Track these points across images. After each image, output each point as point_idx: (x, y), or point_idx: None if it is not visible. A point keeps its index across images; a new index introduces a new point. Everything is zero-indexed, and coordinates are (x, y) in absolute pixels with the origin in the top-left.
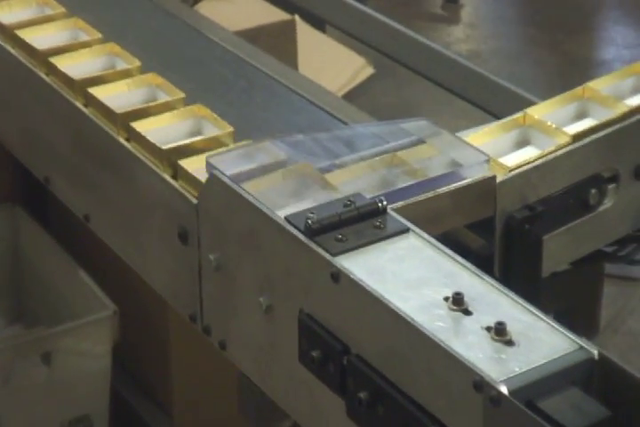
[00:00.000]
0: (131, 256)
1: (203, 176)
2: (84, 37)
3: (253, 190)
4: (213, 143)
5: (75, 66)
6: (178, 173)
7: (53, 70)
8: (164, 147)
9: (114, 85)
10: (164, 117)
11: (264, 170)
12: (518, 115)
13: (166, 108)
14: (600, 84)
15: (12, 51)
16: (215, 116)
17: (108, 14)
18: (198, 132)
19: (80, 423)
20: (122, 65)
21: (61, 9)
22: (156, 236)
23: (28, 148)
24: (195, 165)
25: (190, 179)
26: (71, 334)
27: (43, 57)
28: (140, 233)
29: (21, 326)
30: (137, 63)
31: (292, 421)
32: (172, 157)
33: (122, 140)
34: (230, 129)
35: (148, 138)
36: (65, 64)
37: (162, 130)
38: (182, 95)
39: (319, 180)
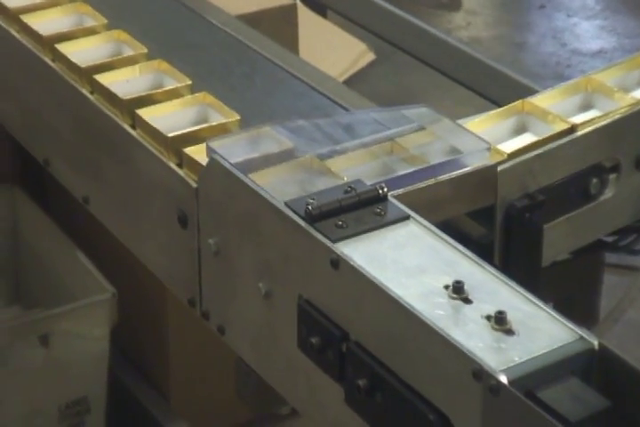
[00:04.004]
0: (130, 239)
1: (160, 125)
2: (89, 22)
3: (254, 175)
4: (219, 131)
5: (80, 52)
6: (183, 160)
7: (59, 57)
8: (169, 134)
9: (120, 72)
10: (169, 105)
11: (265, 155)
12: (520, 102)
13: (172, 95)
14: (605, 75)
15: (17, 35)
16: (221, 103)
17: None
18: (204, 120)
19: (77, 406)
20: (128, 51)
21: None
22: (156, 219)
23: (28, 130)
24: (200, 154)
25: (195, 166)
26: (69, 316)
27: (48, 43)
28: (139, 216)
29: (19, 307)
30: (144, 50)
31: (289, 407)
32: (177, 145)
33: (125, 126)
34: (236, 117)
35: (154, 125)
36: (71, 50)
37: (167, 117)
38: (189, 82)
39: (320, 166)
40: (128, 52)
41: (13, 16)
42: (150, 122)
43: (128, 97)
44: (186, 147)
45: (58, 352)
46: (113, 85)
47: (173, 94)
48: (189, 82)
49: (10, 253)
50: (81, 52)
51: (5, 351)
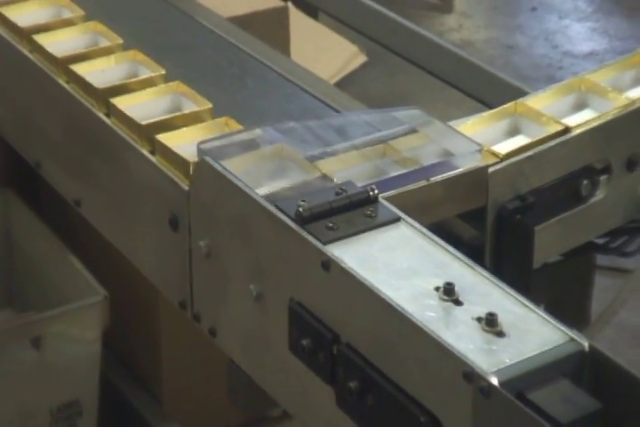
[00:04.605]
0: (121, 242)
1: (181, 151)
2: (67, 14)
3: (244, 177)
4: (192, 119)
5: (58, 43)
6: (156, 148)
7: (37, 48)
8: (142, 122)
9: (96, 62)
10: (143, 94)
11: (256, 157)
12: (512, 104)
13: (147, 84)
14: (597, 75)
15: (3, 34)
16: (194, 92)
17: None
18: (178, 109)
19: (69, 409)
20: (105, 42)
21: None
22: (147, 222)
23: (19, 132)
24: (173, 141)
25: (168, 153)
26: (61, 319)
27: (26, 34)
28: (130, 219)
29: (12, 310)
30: (119, 41)
31: (281, 409)
32: (150, 133)
33: (111, 124)
34: (209, 105)
35: (127, 113)
36: (48, 41)
37: (141, 106)
38: (163, 72)
39: (310, 167)
40: (104, 43)
41: (28, 37)
42: (124, 110)
43: (103, 86)
44: (159, 134)
45: (50, 355)
46: (88, 75)
47: (147, 83)
48: (163, 71)
49: (2, 256)
50: (58, 42)
51: None
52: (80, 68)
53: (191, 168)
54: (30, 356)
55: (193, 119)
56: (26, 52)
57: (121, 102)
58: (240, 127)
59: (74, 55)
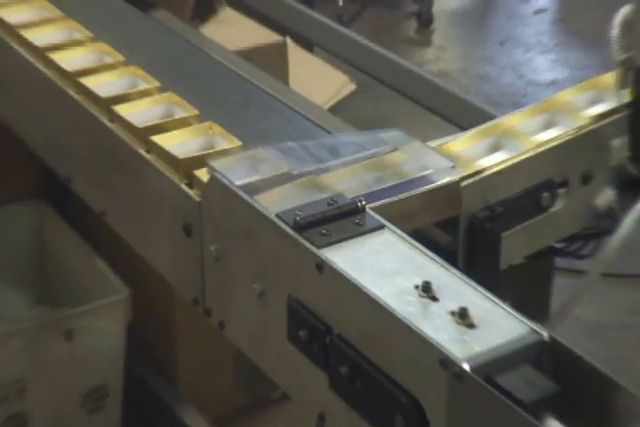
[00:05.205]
0: (142, 247)
1: (172, 150)
2: (109, 59)
3: (248, 190)
4: (181, 123)
5: (101, 85)
6: (151, 148)
7: (82, 89)
8: (140, 126)
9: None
10: (142, 102)
11: (258, 173)
12: (488, 125)
13: (144, 95)
14: (563, 96)
15: (44, 69)
16: (184, 101)
17: (122, 33)
18: (170, 115)
19: (97, 392)
20: (144, 85)
21: (88, 33)
22: (164, 229)
23: (52, 151)
24: (166, 141)
25: (161, 152)
26: (90, 314)
27: (72, 77)
28: (149, 227)
29: (46, 307)
30: (156, 84)
31: (281, 391)
32: (147, 134)
33: (138, 149)
34: (196, 112)
35: (129, 120)
36: (93, 83)
37: (140, 113)
38: (158, 84)
39: (306, 181)
40: (143, 86)
41: (41, 53)
42: (127, 118)
43: (107, 95)
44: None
45: (80, 346)
46: (129, 116)
47: (145, 94)
48: (158, 84)
49: (38, 260)
50: (102, 85)
51: (35, 345)
52: (122, 109)
53: (181, 164)
54: (63, 347)
55: (182, 123)
56: (72, 93)
57: (122, 110)
58: (222, 130)
59: (117, 96)
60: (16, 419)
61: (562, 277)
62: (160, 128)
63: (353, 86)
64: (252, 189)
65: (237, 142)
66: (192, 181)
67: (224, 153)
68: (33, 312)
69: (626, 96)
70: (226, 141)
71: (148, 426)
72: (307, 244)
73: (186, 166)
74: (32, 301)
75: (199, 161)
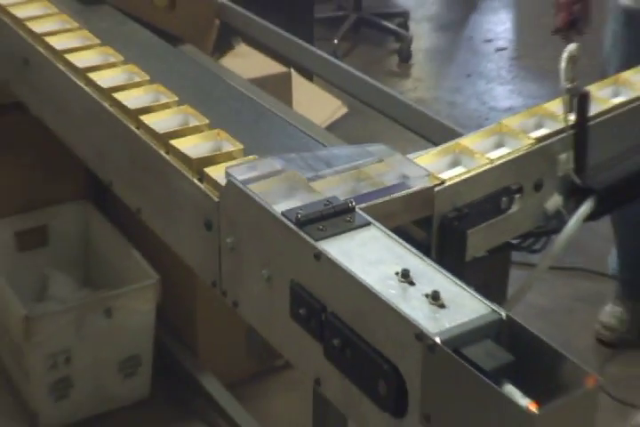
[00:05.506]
0: (170, 239)
1: (187, 151)
2: (165, 100)
3: (258, 192)
4: (195, 130)
5: (157, 122)
6: (170, 150)
7: (141, 124)
8: (161, 132)
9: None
10: (163, 113)
11: (266, 177)
12: (452, 143)
13: (165, 107)
14: (512, 122)
15: (110, 108)
16: (197, 112)
17: (155, 63)
18: (186, 124)
19: (131, 361)
20: (194, 122)
21: (146, 77)
22: (188, 224)
23: (97, 160)
24: (182, 144)
25: (178, 153)
26: (125, 295)
27: (107, 93)
28: (176, 223)
29: (89, 289)
30: (205, 121)
31: (284, 360)
32: (166, 139)
33: (160, 151)
34: (206, 121)
35: (152, 127)
36: (150, 120)
37: (162, 121)
38: (176, 99)
39: (306, 186)
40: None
41: (82, 73)
42: (150, 125)
43: (163, 131)
44: (173, 139)
45: (117, 322)
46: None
47: (167, 106)
48: (176, 98)
49: (83, 251)
50: (158, 121)
51: (80, 321)
52: (147, 118)
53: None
54: (104, 322)
55: (195, 130)
56: (133, 128)
57: (147, 119)
58: (228, 136)
59: (142, 108)
60: (63, 382)
61: (517, 269)
62: (177, 134)
63: (345, 109)
64: (261, 190)
65: (240, 146)
66: (202, 177)
67: (229, 154)
68: (78, 294)
69: (571, 118)
70: (231, 145)
71: (173, 390)
72: (306, 237)
73: (198, 165)
74: (78, 284)
75: (209, 160)
